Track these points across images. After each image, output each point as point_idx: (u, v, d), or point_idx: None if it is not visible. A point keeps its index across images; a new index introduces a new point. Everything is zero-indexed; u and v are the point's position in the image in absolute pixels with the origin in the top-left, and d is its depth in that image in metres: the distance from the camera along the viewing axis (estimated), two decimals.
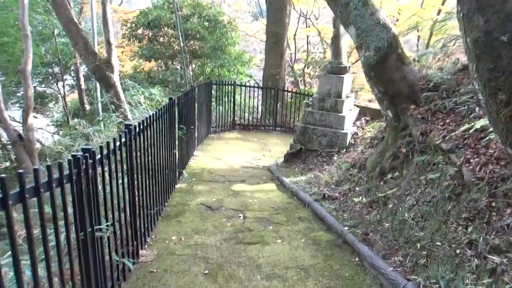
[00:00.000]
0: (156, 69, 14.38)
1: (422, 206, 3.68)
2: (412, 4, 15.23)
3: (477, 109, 3.82)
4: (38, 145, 11.43)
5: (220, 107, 10.57)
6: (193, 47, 13.48)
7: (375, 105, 9.29)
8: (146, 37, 13.26)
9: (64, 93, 16.83)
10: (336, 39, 7.15)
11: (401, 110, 4.54)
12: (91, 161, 2.91)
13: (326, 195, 5.48)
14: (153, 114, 4.73)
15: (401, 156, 4.39)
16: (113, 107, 6.59)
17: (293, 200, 5.82)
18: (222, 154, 8.49)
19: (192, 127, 7.49)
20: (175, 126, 5.73)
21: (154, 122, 4.82)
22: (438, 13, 15.32)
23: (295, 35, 17.20)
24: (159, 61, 14.08)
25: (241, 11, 20.89)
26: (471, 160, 3.37)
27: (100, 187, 3.17)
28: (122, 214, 3.64)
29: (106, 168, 3.46)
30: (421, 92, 4.48)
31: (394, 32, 4.52)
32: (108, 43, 6.65)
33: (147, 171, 4.46)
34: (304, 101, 7.87)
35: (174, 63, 13.96)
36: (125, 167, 3.74)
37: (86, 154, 2.82)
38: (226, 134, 10.40)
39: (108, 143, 3.35)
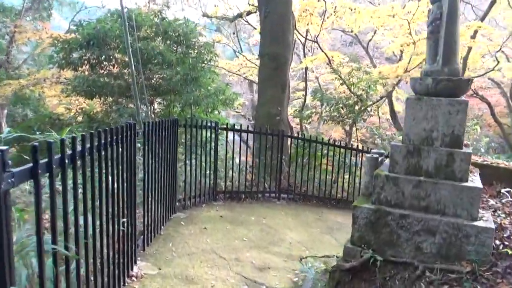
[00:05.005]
0: (103, 109, 10.14)
1: None
2: None
3: None
4: None
5: (193, 164, 6.34)
6: (156, 79, 9.53)
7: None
8: (86, 63, 9.16)
9: None
10: (448, 21, 3.26)
11: None
12: None
13: None
14: None
15: None
16: None
17: None
18: (194, 263, 4.18)
19: (124, 220, 3.23)
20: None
21: None
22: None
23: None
24: (109, 98, 9.91)
25: (220, 45, 17.40)
26: None
27: None
28: None
29: None
30: None
31: None
32: None
33: None
34: (368, 155, 3.82)
35: (127, 100, 9.81)
36: None
37: None
38: (204, 211, 6.11)
39: None
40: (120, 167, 3.24)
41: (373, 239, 3.46)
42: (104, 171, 2.87)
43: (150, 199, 4.46)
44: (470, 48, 11.82)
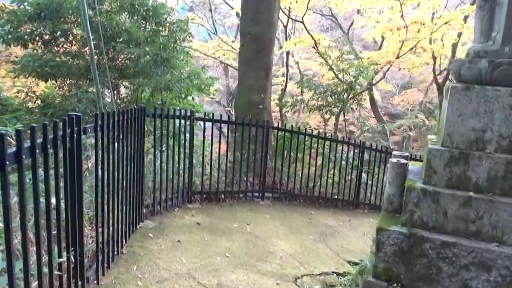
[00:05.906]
0: (60, 93, 8.84)
1: None
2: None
3: None
4: None
5: (164, 160, 5.32)
6: (121, 59, 8.40)
7: None
8: (38, 39, 7.86)
9: None
10: None
11: None
12: None
13: None
14: None
15: None
16: None
17: None
18: None
19: (61, 260, 2.25)
20: None
21: None
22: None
23: None
24: (67, 80, 8.64)
25: (194, 26, 16.14)
26: None
27: None
28: None
29: None
30: None
31: None
32: None
33: None
34: (394, 160, 2.96)
35: (89, 83, 8.57)
36: None
37: None
38: (177, 218, 5.14)
39: None
40: (54, 177, 2.24)
41: (404, 273, 2.63)
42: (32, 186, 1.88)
43: (107, 209, 3.47)
44: (460, 34, 11.23)
